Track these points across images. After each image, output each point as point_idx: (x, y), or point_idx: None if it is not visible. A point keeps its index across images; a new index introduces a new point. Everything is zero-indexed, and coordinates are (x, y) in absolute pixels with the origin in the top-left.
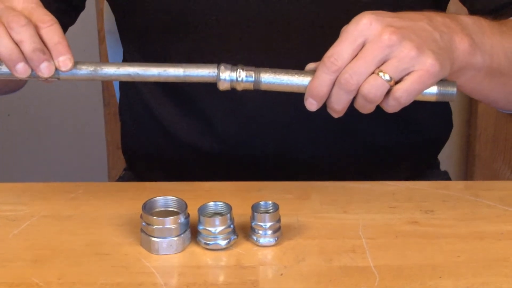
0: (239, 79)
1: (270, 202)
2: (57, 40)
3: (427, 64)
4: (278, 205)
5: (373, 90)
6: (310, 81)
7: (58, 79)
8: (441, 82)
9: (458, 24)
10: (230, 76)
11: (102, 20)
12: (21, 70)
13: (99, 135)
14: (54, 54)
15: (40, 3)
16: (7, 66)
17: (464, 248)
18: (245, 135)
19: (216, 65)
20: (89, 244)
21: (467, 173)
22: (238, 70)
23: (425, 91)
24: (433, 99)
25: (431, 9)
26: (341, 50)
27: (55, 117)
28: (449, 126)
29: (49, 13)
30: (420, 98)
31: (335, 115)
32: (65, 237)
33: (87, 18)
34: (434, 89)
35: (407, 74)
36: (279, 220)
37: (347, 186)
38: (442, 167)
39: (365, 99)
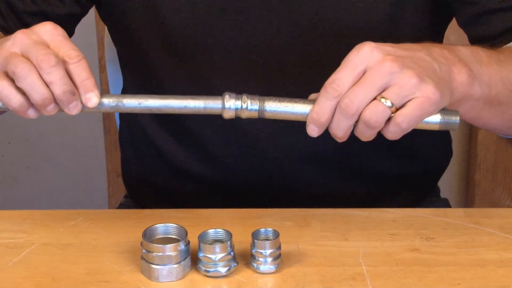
0: (244, 107)
1: (270, 229)
2: (85, 76)
3: (428, 91)
4: (278, 232)
5: (374, 116)
6: (312, 108)
7: (80, 111)
8: (444, 111)
9: (456, 56)
10: (235, 105)
11: (103, 49)
12: (50, 110)
13: (99, 163)
14: (81, 90)
15: (67, 35)
16: (37, 107)
17: (465, 276)
18: (244, 163)
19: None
20: (89, 272)
21: (467, 201)
22: (243, 98)
23: (429, 120)
24: (436, 127)
25: (428, 38)
26: (342, 76)
27: (55, 144)
28: (449, 154)
29: (76, 48)
30: (423, 127)
31: (339, 141)
32: (65, 265)
33: (88, 46)
34: (437, 118)
35: (409, 101)
36: (279, 247)
37: (347, 214)
38: (442, 195)
39: (366, 125)
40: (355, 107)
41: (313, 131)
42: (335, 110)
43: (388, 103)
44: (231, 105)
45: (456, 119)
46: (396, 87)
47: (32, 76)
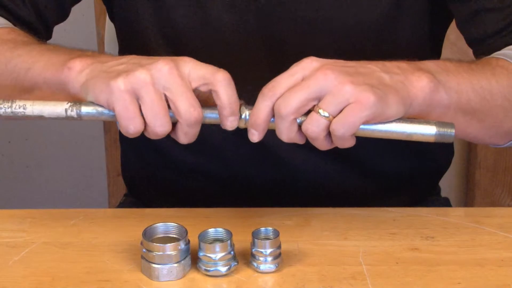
0: (242, 117)
1: (270, 228)
2: (234, 99)
3: (362, 96)
4: (278, 232)
5: (311, 126)
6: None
7: None
8: (440, 123)
9: (416, 66)
10: None
11: (103, 48)
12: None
13: (99, 162)
14: (226, 112)
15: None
16: (149, 131)
17: (465, 275)
18: (246, 162)
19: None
20: (89, 271)
21: (467, 200)
22: (241, 108)
23: (424, 132)
24: (431, 139)
25: (427, 41)
26: (279, 80)
27: (55, 143)
28: (451, 153)
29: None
30: (419, 138)
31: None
32: (65, 264)
33: (88, 46)
34: (433, 130)
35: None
36: (279, 247)
37: (347, 213)
38: (443, 194)
39: (309, 137)
40: (287, 108)
41: (253, 135)
42: (271, 113)
43: (325, 114)
44: None
45: (452, 131)
46: (329, 96)
47: (162, 114)
